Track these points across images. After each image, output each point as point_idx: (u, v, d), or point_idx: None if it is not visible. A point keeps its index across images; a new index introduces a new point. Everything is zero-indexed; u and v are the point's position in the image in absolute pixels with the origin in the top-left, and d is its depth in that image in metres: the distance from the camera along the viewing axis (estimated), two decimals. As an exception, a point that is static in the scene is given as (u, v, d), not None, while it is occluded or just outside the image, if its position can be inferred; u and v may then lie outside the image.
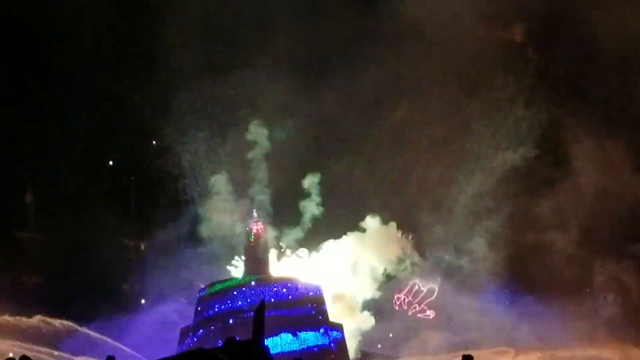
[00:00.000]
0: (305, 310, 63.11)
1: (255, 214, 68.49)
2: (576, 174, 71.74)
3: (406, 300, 72.35)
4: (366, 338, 69.41)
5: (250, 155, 71.06)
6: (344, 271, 71.29)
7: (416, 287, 72.16)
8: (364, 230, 71.28)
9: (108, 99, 75.33)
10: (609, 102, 74.81)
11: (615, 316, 67.20)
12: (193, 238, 70.61)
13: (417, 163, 74.92)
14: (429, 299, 72.04)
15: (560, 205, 70.91)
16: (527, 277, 70.29)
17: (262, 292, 61.61)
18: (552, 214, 71.13)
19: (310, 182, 72.24)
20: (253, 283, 63.45)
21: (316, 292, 64.56)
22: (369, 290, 71.18)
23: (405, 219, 71.55)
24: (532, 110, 73.72)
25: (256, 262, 66.97)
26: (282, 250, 71.14)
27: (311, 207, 72.09)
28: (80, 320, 62.97)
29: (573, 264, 69.08)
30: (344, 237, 71.58)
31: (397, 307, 72.53)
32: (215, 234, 70.01)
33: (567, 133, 73.02)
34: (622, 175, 71.27)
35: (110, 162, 78.07)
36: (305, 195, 72.26)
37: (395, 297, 72.73)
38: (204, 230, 69.78)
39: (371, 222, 71.13)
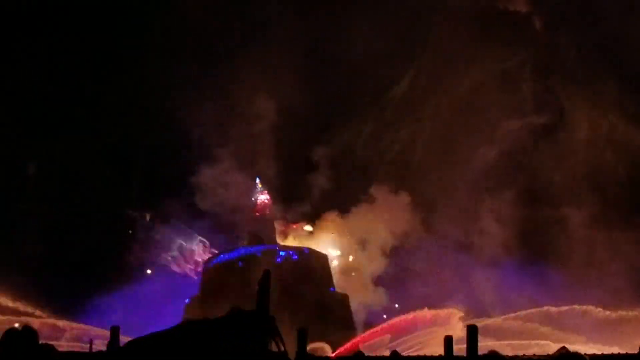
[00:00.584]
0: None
1: (259, 185, 68.25)
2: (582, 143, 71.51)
3: None
4: (372, 309, 69.14)
5: (257, 127, 70.66)
6: (353, 244, 70.89)
7: None
8: (372, 201, 70.32)
9: (112, 70, 75.02)
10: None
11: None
12: (198, 209, 70.41)
13: (423, 134, 74.69)
14: None
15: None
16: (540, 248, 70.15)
17: (268, 261, 61.57)
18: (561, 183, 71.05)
19: (319, 154, 71.79)
20: (258, 253, 63.41)
21: (322, 260, 64.64)
22: (378, 264, 70.37)
23: (413, 191, 71.04)
24: (538, 80, 73.56)
25: (260, 234, 66.90)
26: (288, 224, 70.84)
27: (320, 181, 71.49)
28: (84, 291, 63.07)
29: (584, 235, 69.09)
30: (353, 209, 70.95)
31: None
32: (220, 206, 69.77)
33: (573, 103, 72.86)
34: (630, 146, 71.11)
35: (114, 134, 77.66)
36: (314, 168, 71.87)
37: None
38: (209, 201, 69.52)
39: (379, 191, 70.01)
